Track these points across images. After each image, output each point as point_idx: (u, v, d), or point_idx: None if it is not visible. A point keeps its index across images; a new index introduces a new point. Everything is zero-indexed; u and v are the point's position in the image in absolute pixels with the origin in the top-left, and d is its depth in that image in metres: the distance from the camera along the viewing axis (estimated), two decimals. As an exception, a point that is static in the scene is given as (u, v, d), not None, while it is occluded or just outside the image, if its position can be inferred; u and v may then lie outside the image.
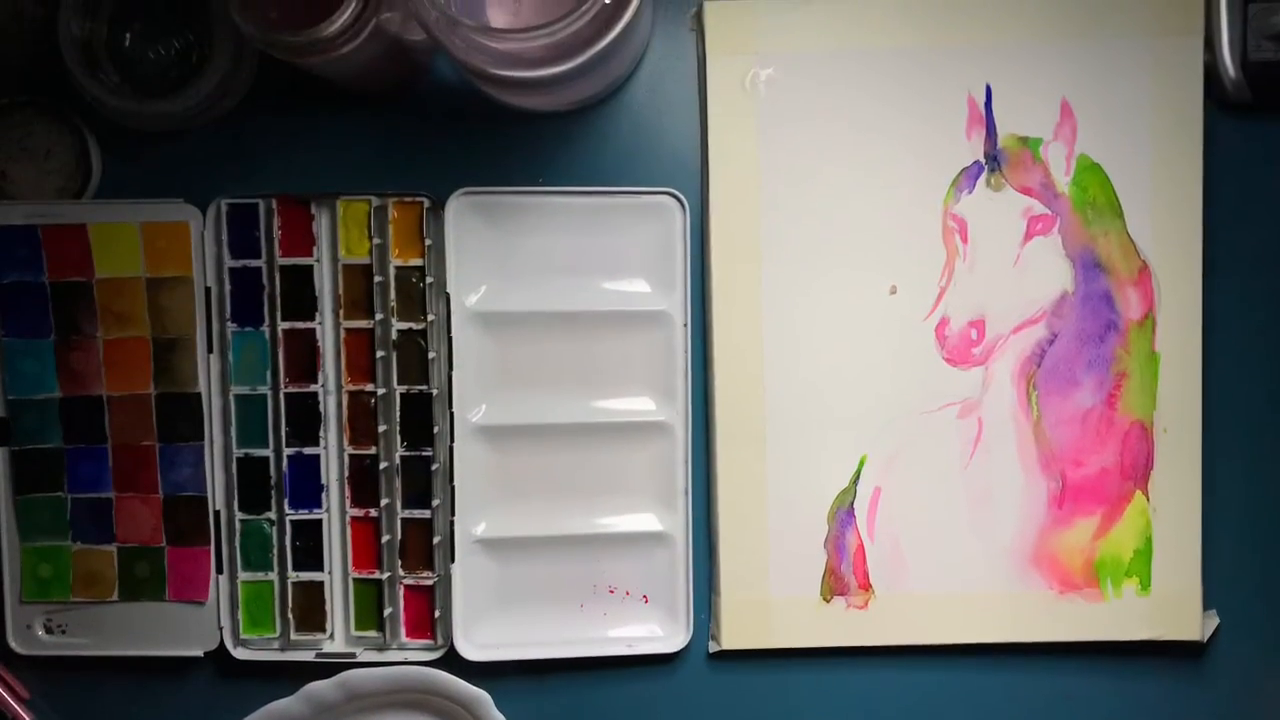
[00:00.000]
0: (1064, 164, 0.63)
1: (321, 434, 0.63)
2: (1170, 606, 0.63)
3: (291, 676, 0.63)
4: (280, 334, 0.63)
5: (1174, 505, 0.63)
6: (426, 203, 0.62)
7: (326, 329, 0.63)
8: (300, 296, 0.63)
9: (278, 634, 0.64)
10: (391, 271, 0.63)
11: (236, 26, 0.55)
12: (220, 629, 0.64)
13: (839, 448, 0.63)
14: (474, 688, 0.62)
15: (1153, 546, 0.63)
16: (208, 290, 0.63)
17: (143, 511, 0.63)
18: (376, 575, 0.63)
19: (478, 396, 0.63)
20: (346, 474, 0.63)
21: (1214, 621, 0.64)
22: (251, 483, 0.63)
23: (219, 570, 0.64)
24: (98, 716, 0.65)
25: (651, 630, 0.64)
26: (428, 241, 0.62)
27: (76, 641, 0.64)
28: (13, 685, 0.64)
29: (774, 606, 0.63)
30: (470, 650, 0.63)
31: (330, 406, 0.63)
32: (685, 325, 0.63)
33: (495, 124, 0.64)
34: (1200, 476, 0.63)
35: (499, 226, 0.63)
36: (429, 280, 0.63)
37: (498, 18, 0.59)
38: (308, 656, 0.64)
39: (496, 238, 0.63)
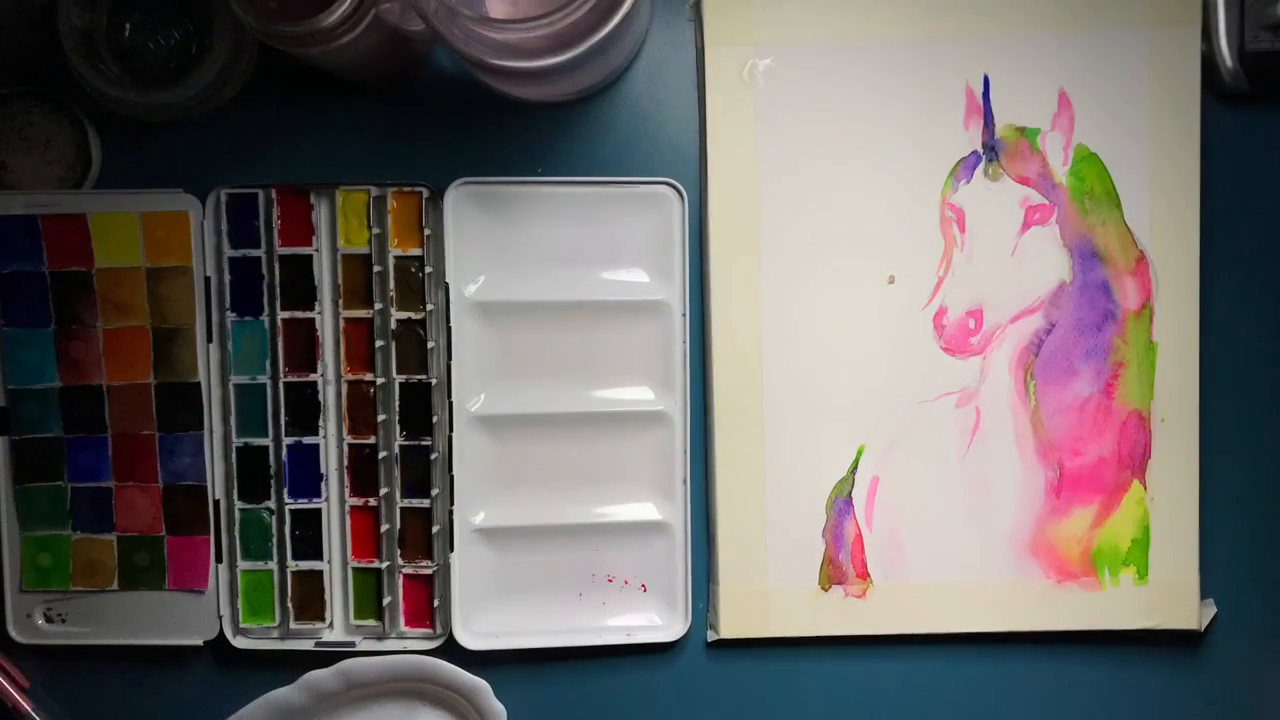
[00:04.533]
0: (1062, 154, 0.63)
1: (321, 423, 0.63)
2: (1167, 596, 0.63)
3: (291, 665, 0.63)
4: (280, 324, 0.63)
5: (1171, 495, 0.63)
6: (425, 193, 0.63)
7: (326, 319, 0.63)
8: (299, 286, 0.63)
9: (277, 623, 0.64)
10: (390, 261, 0.63)
11: (236, 17, 0.55)
12: (220, 618, 0.64)
13: (837, 437, 0.63)
14: (473, 676, 0.63)
15: (1150, 536, 0.63)
16: (207, 280, 0.63)
17: (142, 501, 0.64)
18: (376, 564, 0.64)
19: (476, 386, 0.64)
20: (346, 463, 0.63)
21: (1211, 611, 0.64)
22: (251, 472, 0.63)
23: (218, 559, 0.64)
24: (97, 706, 0.65)
25: (650, 619, 0.64)
26: (427, 231, 0.63)
27: (76, 630, 0.64)
28: (12, 674, 0.64)
29: (772, 596, 0.63)
30: (469, 639, 0.63)
31: (329, 396, 0.64)
32: (684, 315, 0.63)
33: (494, 114, 0.64)
34: (1198, 466, 0.63)
35: (498, 216, 0.63)
36: (428, 270, 0.63)
37: (497, 8, 0.59)
38: (307, 645, 0.64)
39: (495, 228, 0.63)
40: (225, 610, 0.64)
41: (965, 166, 0.63)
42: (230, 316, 0.63)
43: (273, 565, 0.64)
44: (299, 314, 0.63)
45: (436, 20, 0.54)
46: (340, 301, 0.63)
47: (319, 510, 0.64)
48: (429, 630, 0.64)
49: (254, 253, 0.63)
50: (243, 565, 0.64)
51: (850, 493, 0.63)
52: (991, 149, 0.63)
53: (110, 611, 0.64)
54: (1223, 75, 0.63)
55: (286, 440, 0.63)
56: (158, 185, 0.63)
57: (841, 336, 0.63)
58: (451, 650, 0.63)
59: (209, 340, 0.63)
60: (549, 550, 0.64)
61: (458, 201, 0.63)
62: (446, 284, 0.63)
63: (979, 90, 0.62)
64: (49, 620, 0.64)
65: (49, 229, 0.63)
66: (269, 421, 0.63)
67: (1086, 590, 0.63)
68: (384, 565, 0.64)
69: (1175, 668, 0.65)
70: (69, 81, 0.62)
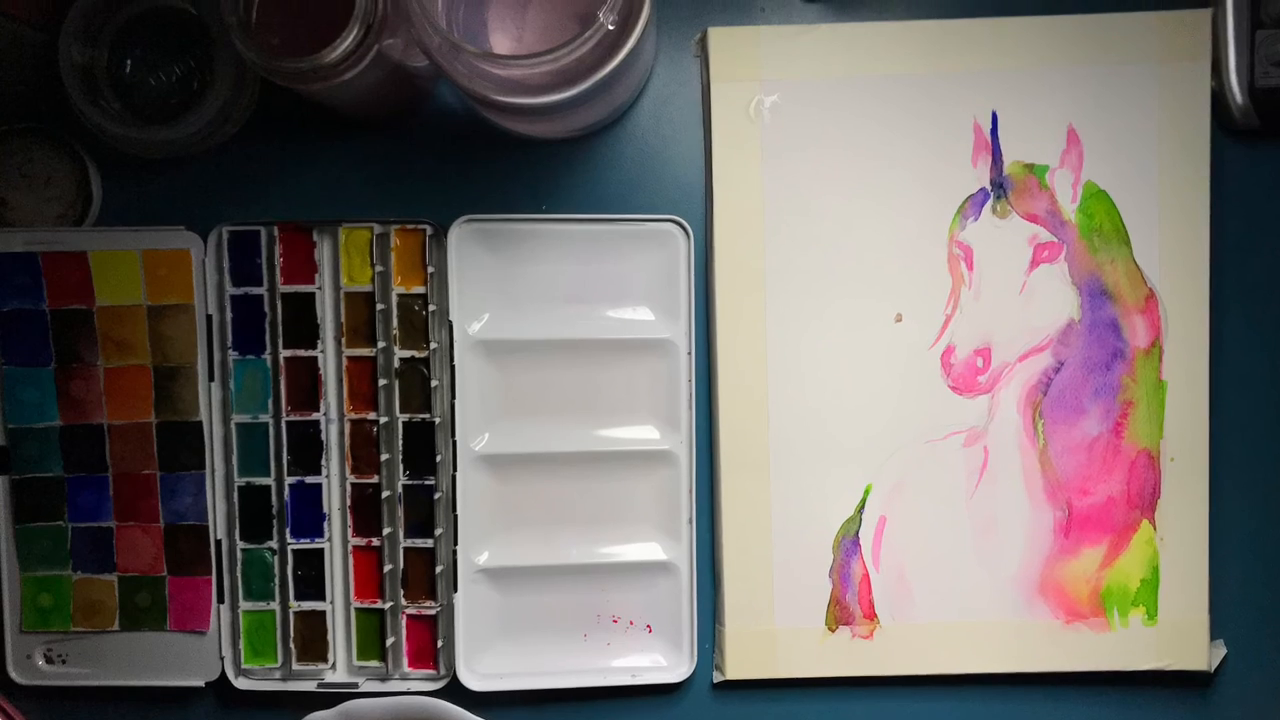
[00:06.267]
0: (1070, 191, 0.62)
1: (323, 462, 0.63)
2: (1177, 636, 0.63)
3: (293, 707, 0.63)
4: (282, 362, 0.62)
5: (1181, 534, 0.63)
6: (429, 230, 0.62)
7: (328, 357, 0.63)
8: (302, 324, 0.62)
9: (279, 664, 0.63)
10: (394, 299, 0.62)
11: (238, 53, 0.55)
12: (222, 659, 0.63)
13: (844, 476, 0.63)
14: (477, 718, 0.62)
15: (1159, 576, 0.63)
16: (209, 318, 0.63)
17: (143, 540, 0.63)
18: (379, 605, 0.63)
19: (480, 425, 0.63)
20: (348, 503, 0.63)
21: (1221, 652, 0.63)
22: (253, 512, 0.63)
23: (220, 600, 0.63)
24: (98, 746, 0.65)
25: (655, 660, 0.64)
26: (430, 269, 0.62)
27: (77, 672, 0.64)
28: (13, 716, 0.64)
29: (779, 636, 0.63)
30: (473, 680, 0.63)
31: (332, 435, 0.63)
32: (689, 353, 0.63)
33: (498, 151, 0.63)
34: (1208, 505, 0.62)
35: (502, 254, 0.63)
36: (431, 308, 0.62)
37: (501, 44, 0.59)
38: (309, 686, 0.63)
39: (499, 265, 0.63)
40: (227, 651, 0.63)
41: (973, 204, 0.62)
42: (232, 355, 0.63)
43: (275, 606, 0.63)
44: (301, 352, 0.62)
45: (440, 56, 0.54)
46: (343, 340, 0.63)
47: (321, 550, 0.63)
48: (432, 671, 0.63)
49: (256, 290, 0.62)
50: (245, 606, 0.63)
51: (857, 532, 0.63)
52: (1000, 186, 0.62)
53: (111, 652, 0.64)
54: (1233, 111, 0.62)
55: (289, 480, 0.63)
56: (159, 222, 0.63)
57: (848, 375, 0.62)
58: (455, 691, 0.63)
59: (210, 379, 0.63)
60: (553, 590, 0.64)
61: (461, 239, 0.62)
62: (450, 322, 0.62)
63: (987, 127, 0.62)
64: (49, 661, 0.64)
65: (49, 266, 0.62)
66: (271, 461, 0.63)
67: (1095, 631, 0.63)
68: (387, 606, 0.63)
69: (1185, 709, 0.64)
70: (69, 118, 0.61)
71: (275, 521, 0.63)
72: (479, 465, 0.63)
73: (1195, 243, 0.62)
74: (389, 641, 0.63)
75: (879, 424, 0.63)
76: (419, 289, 0.62)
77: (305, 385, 0.63)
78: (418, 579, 0.63)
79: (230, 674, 0.63)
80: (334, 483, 0.63)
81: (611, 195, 0.64)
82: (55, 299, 0.62)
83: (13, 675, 0.63)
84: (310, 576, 0.63)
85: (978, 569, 0.63)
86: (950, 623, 0.63)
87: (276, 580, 0.63)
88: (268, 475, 0.63)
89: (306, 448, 0.63)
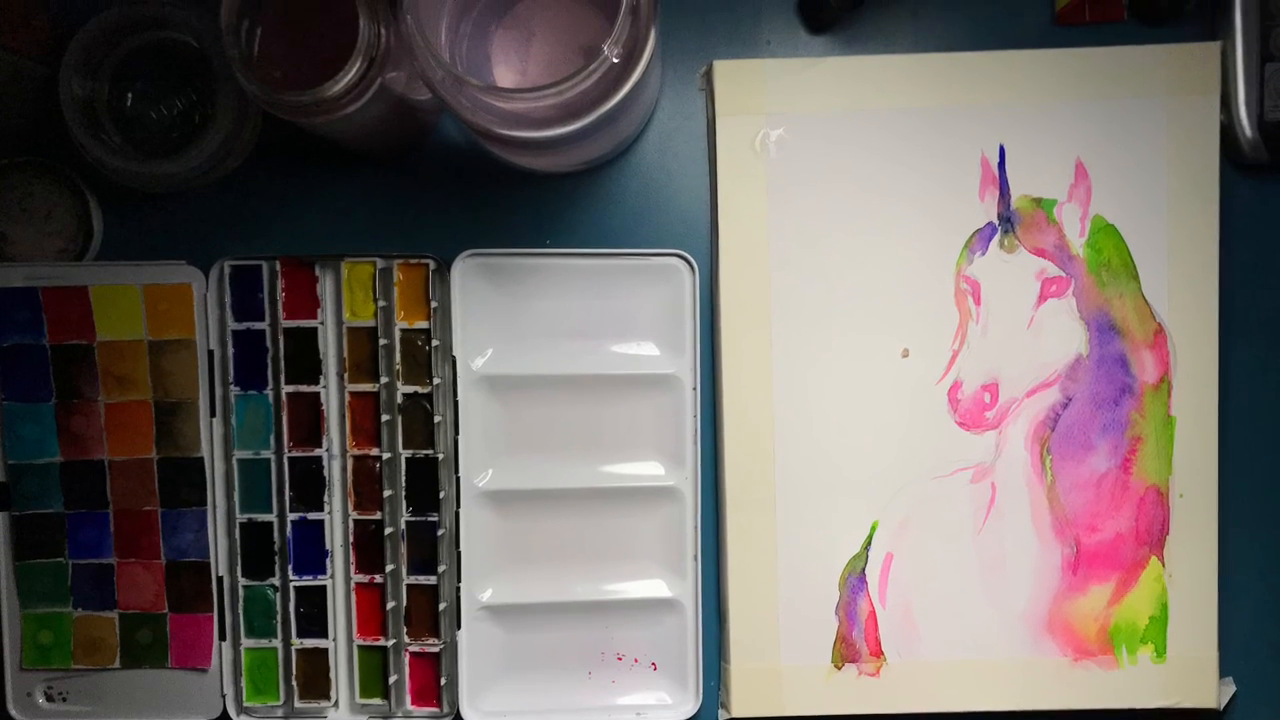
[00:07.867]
0: (1078, 225, 0.62)
1: (326, 499, 0.62)
2: (1186, 674, 0.62)
3: (295, 745, 0.63)
4: (284, 397, 0.62)
5: (1190, 571, 0.62)
6: (432, 264, 0.62)
7: (331, 392, 0.62)
8: (304, 359, 0.62)
9: (281, 702, 0.63)
10: (397, 334, 0.62)
11: (240, 86, 0.54)
12: (223, 697, 0.63)
13: (850, 513, 0.62)
14: (480, 757, 0.62)
15: (1168, 613, 0.62)
16: (210, 353, 0.62)
17: (145, 577, 0.63)
18: (381, 642, 0.63)
19: (484, 461, 0.63)
20: (351, 539, 0.62)
21: (1230, 689, 0.63)
22: (255, 548, 0.62)
23: (222, 637, 0.63)
24: (99, 783, 0.64)
25: (660, 698, 0.63)
26: (434, 304, 0.62)
27: (78, 709, 0.63)
28: (13, 754, 0.63)
29: (784, 674, 0.62)
30: (476, 718, 0.62)
31: (334, 471, 0.63)
32: (694, 389, 0.62)
33: (502, 185, 0.63)
34: (1217, 542, 0.62)
35: (506, 289, 0.62)
36: (435, 343, 0.62)
37: (505, 77, 0.58)
38: (312, 724, 0.63)
39: (503, 300, 0.62)
40: (229, 689, 0.63)
41: (980, 238, 0.62)
42: (234, 390, 0.62)
43: (277, 643, 0.63)
44: (303, 388, 0.62)
45: (443, 89, 0.53)
46: (345, 375, 0.62)
47: (324, 587, 0.63)
48: (436, 709, 0.63)
49: (258, 325, 0.62)
50: (246, 643, 0.63)
51: (864, 569, 0.62)
52: (1007, 220, 0.62)
53: (112, 690, 0.63)
54: (1242, 145, 0.62)
55: (291, 516, 0.62)
56: (160, 257, 0.62)
57: (855, 411, 0.62)
58: (458, 729, 0.63)
59: (212, 414, 0.62)
60: (558, 628, 0.63)
61: (465, 273, 0.62)
62: (454, 357, 0.62)
63: (994, 160, 0.62)
64: (50, 699, 0.63)
65: (50, 301, 0.62)
66: (273, 497, 0.62)
67: (1104, 669, 0.62)
68: (390, 643, 0.63)
69: (1194, 747, 0.64)
70: (70, 152, 0.61)
71: (277, 558, 0.62)
72: (482, 501, 0.62)
73: (1204, 277, 0.62)
74: (392, 679, 0.62)
75: (885, 460, 0.62)
76: (422, 324, 0.62)
77: (307, 421, 0.62)
78: (421, 616, 0.63)
79: (232, 712, 0.63)
80: (336, 519, 0.63)
81: (616, 229, 0.63)
82: (56, 334, 0.62)
83: (13, 713, 0.63)
84: (312, 614, 0.63)
85: (985, 606, 0.62)
86: (957, 660, 0.62)
87: (279, 617, 0.63)
88: (270, 511, 0.62)
89: (309, 484, 0.62)
